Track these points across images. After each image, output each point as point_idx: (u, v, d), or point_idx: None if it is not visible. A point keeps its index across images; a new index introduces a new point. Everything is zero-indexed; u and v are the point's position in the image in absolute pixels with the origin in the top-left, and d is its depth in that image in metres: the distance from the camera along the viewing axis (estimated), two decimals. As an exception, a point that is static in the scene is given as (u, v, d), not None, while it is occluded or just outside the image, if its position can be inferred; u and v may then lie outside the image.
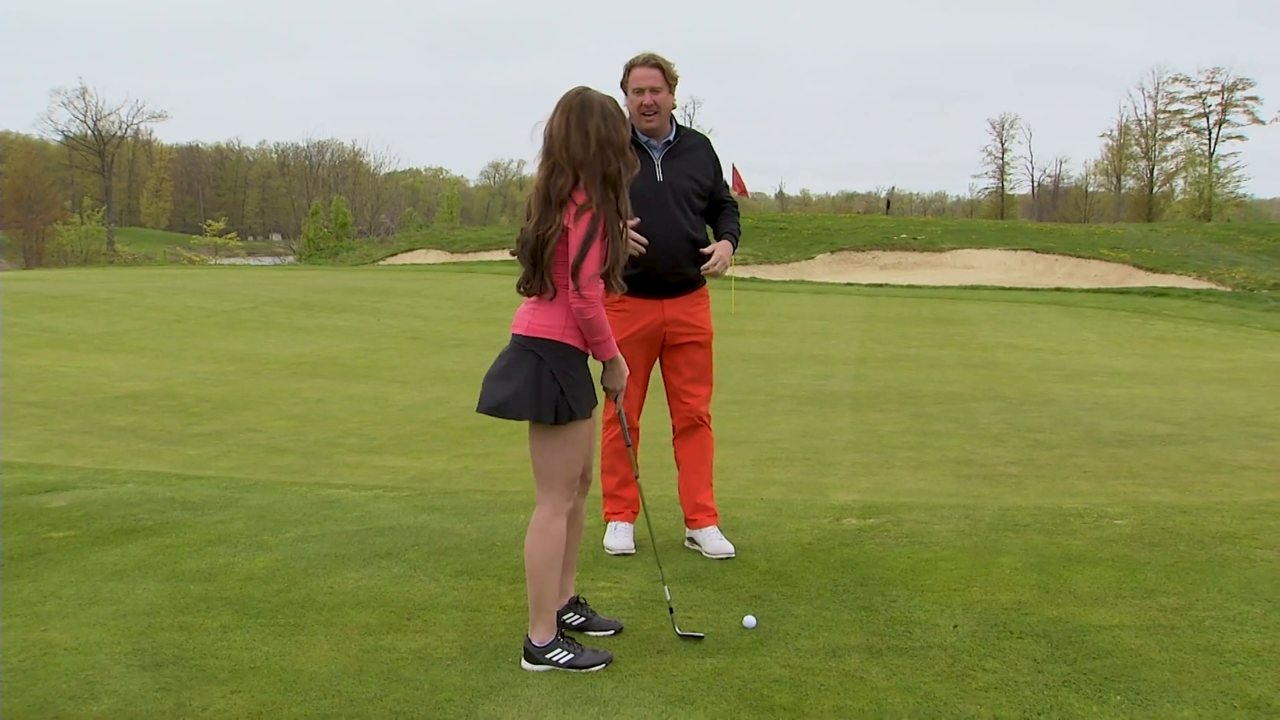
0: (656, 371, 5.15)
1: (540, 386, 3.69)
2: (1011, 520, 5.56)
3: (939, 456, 7.79)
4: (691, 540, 5.12)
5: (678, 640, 3.96)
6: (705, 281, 5.12)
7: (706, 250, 5.01)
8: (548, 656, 3.71)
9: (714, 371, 5.18)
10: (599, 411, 4.08)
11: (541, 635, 3.74)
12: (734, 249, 5.10)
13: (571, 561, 4.10)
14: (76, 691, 3.56)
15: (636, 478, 4.38)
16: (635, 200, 4.79)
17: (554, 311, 3.73)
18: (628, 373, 4.00)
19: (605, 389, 3.99)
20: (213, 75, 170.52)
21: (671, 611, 4.10)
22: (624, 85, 4.90)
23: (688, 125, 5.10)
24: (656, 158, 4.94)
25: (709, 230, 5.18)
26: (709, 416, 5.13)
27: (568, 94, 3.75)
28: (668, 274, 4.92)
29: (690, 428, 5.09)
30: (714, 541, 5.00)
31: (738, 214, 5.28)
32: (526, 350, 3.73)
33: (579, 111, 3.69)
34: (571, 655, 3.72)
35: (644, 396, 5.11)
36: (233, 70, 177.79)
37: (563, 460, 3.78)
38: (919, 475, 7.14)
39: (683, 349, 5.03)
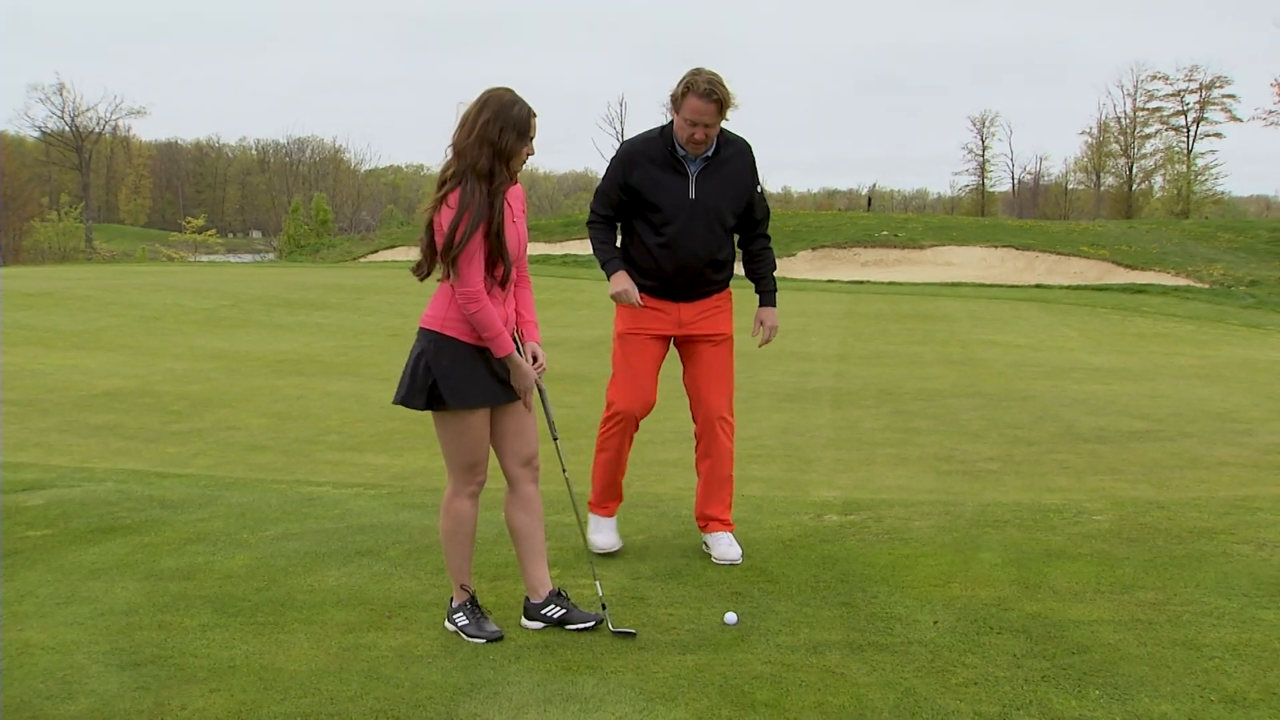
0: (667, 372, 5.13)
1: (415, 374, 3.94)
2: (991, 516, 5.58)
3: (919, 453, 7.82)
4: (704, 545, 5.05)
5: (659, 637, 3.97)
6: (728, 287, 5.03)
7: (757, 333, 5.07)
8: (453, 618, 4.05)
9: (733, 373, 5.08)
10: (538, 402, 4.14)
11: (456, 598, 4.09)
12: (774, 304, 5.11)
13: (537, 550, 4.16)
14: (54, 691, 3.54)
15: (564, 471, 4.32)
16: (667, 217, 4.75)
17: (438, 303, 3.96)
18: (533, 375, 4.02)
19: (514, 387, 4.01)
20: (192, 70, 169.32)
21: (604, 608, 4.12)
22: (676, 100, 4.67)
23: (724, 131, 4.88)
24: (692, 172, 4.78)
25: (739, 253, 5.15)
26: (729, 423, 5.02)
27: (486, 90, 3.92)
28: (684, 288, 4.88)
29: (706, 436, 5.01)
30: (722, 546, 4.93)
31: (772, 253, 5.17)
32: (418, 340, 3.99)
33: (479, 106, 3.88)
34: (467, 622, 4.01)
35: (650, 392, 5.02)
36: (211, 65, 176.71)
37: (453, 447, 4.00)
38: (899, 472, 7.16)
39: (697, 349, 4.98)
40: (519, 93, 3.94)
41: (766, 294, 5.13)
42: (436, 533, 5.30)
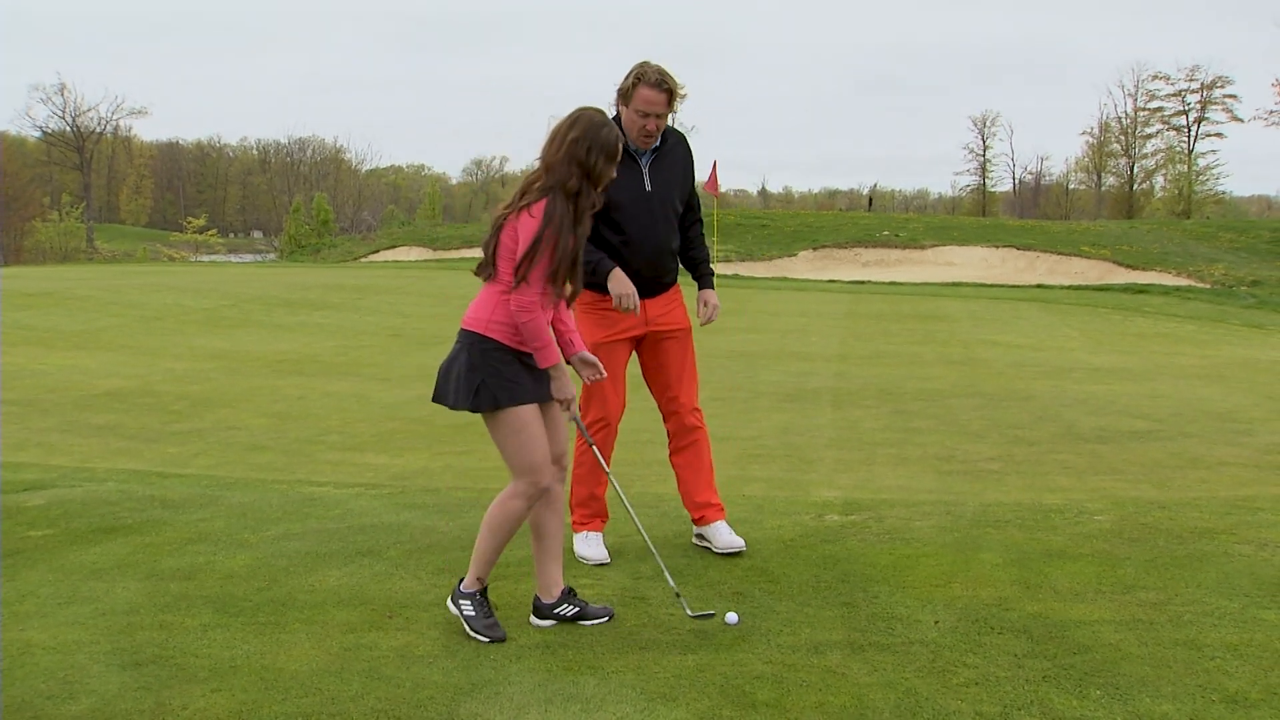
0: (634, 369, 5.12)
1: (462, 376, 3.90)
2: (992, 516, 5.58)
3: (920, 453, 7.82)
4: (700, 537, 5.07)
5: (659, 637, 3.97)
6: (677, 280, 5.10)
7: (702, 315, 5.07)
8: (459, 603, 4.03)
9: (697, 367, 5.13)
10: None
11: (468, 583, 4.06)
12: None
13: (555, 550, 4.16)
14: (55, 691, 3.54)
15: (608, 475, 4.36)
16: (623, 210, 4.76)
17: (484, 306, 3.93)
18: (573, 387, 4.05)
19: (555, 400, 4.03)
20: (192, 70, 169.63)
21: (679, 596, 4.15)
22: (626, 92, 4.70)
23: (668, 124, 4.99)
24: (644, 165, 4.84)
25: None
26: (700, 413, 5.07)
27: (578, 109, 3.99)
28: (648, 280, 4.89)
29: (683, 431, 5.03)
30: (723, 536, 4.95)
31: (704, 237, 5.23)
32: (459, 341, 3.95)
33: (569, 123, 3.92)
34: (474, 614, 3.98)
35: (624, 395, 5.03)
36: (212, 65, 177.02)
37: (513, 446, 3.96)
38: (900, 472, 7.16)
39: (662, 345, 4.99)
40: (574, 106, 4.00)
41: (706, 277, 5.19)
42: (437, 532, 5.32)
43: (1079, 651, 3.80)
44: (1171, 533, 5.23)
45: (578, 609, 4.12)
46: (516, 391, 3.90)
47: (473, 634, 3.94)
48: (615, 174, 4.72)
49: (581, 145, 3.86)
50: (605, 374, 4.24)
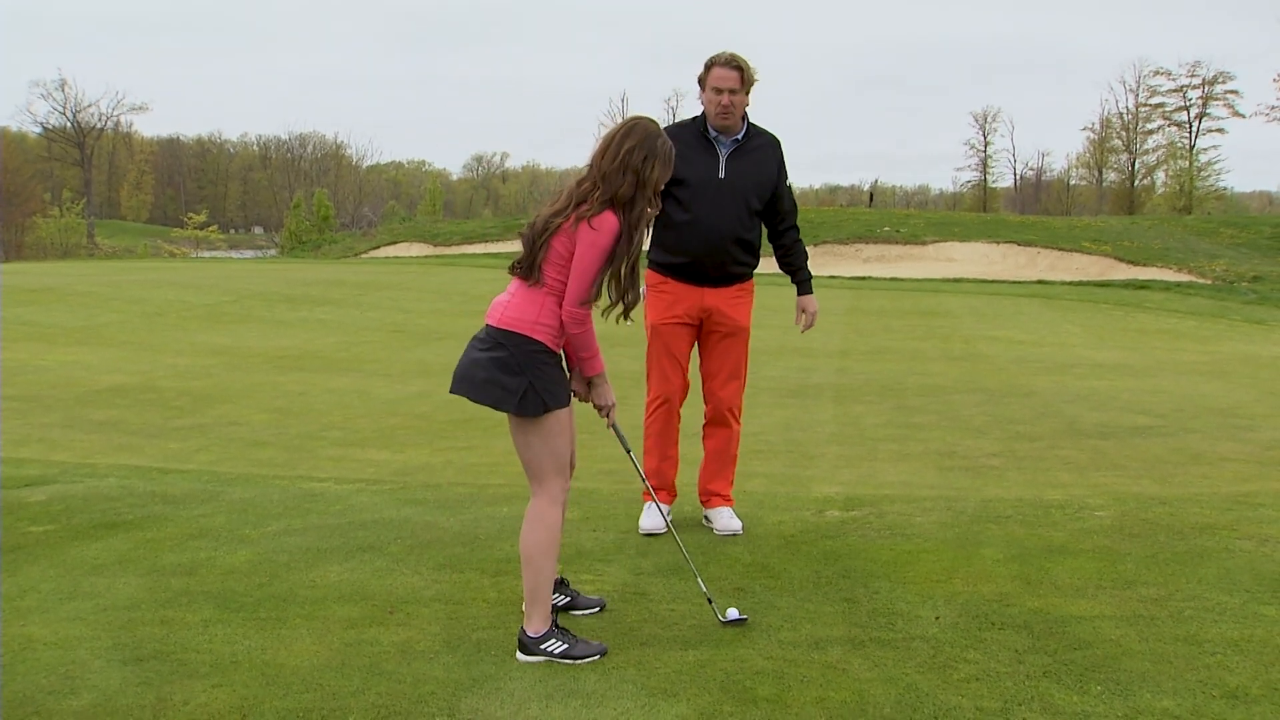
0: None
1: (509, 380, 3.74)
2: (993, 512, 5.58)
3: (921, 449, 7.81)
4: (706, 519, 5.33)
5: (660, 632, 3.97)
6: (750, 278, 5.21)
7: (800, 321, 5.29)
8: (542, 647, 3.73)
9: (746, 366, 5.27)
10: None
11: (536, 626, 3.76)
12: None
13: None
14: (56, 686, 3.54)
15: (644, 480, 4.44)
16: (695, 193, 4.92)
17: (528, 306, 3.79)
18: (613, 395, 4.05)
19: (595, 406, 4.03)
20: (193, 67, 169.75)
21: (711, 601, 4.13)
22: (702, 81, 4.95)
23: (756, 123, 5.12)
24: (723, 154, 4.98)
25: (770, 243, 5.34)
26: (739, 410, 5.27)
27: (633, 117, 3.95)
28: (711, 268, 5.02)
29: (719, 420, 5.25)
30: (724, 519, 5.23)
31: (803, 244, 5.36)
32: (497, 342, 3.78)
33: (624, 132, 3.85)
34: (566, 646, 3.73)
35: (687, 380, 5.18)
36: (212, 63, 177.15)
37: (548, 450, 3.82)
38: (901, 467, 7.16)
39: (714, 339, 5.15)
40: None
41: (804, 283, 5.37)
42: (438, 528, 5.32)
43: (1080, 647, 3.80)
44: (1173, 528, 5.23)
45: (568, 598, 4.15)
46: (561, 395, 3.82)
47: (578, 663, 3.70)
48: (688, 157, 4.80)
49: (638, 154, 3.78)
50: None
